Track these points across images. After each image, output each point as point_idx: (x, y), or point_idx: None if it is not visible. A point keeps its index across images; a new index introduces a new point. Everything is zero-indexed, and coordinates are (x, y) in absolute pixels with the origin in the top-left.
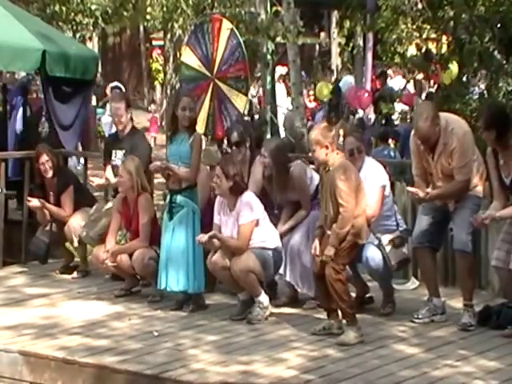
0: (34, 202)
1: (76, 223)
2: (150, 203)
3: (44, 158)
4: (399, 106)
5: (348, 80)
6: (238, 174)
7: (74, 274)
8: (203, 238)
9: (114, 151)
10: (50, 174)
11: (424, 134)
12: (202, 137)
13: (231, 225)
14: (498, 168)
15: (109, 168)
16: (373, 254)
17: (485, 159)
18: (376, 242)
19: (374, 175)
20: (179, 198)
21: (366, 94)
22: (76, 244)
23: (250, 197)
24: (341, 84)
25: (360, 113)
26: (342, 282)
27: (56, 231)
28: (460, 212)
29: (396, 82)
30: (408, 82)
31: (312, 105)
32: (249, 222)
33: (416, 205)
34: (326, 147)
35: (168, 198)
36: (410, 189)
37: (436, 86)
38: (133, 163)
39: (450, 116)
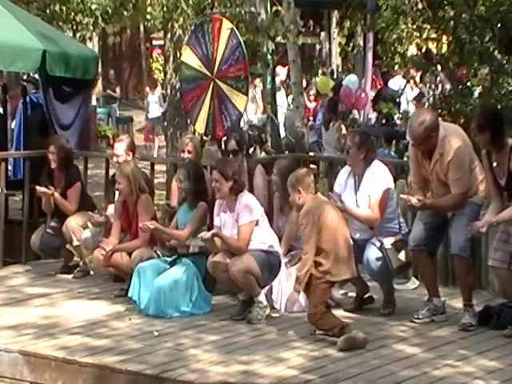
0: (46, 191)
1: (74, 223)
2: (150, 203)
3: (51, 148)
4: (402, 106)
5: (351, 79)
6: (235, 173)
7: (74, 274)
8: (206, 234)
9: (117, 192)
10: (53, 165)
11: (416, 137)
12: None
13: (231, 226)
14: (492, 170)
15: (111, 207)
16: (374, 256)
17: (481, 161)
18: (378, 244)
19: (378, 178)
20: (184, 259)
21: (363, 94)
22: (75, 243)
23: (249, 198)
24: (344, 82)
25: (354, 113)
26: (323, 318)
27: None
28: (458, 218)
29: (396, 81)
30: (408, 81)
31: (312, 105)
32: (248, 223)
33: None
34: (299, 191)
35: (173, 257)
36: (403, 196)
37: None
38: (129, 166)
39: (448, 126)
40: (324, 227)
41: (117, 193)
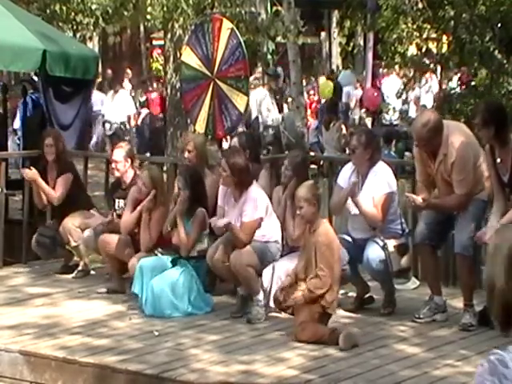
0: (30, 174)
1: (71, 224)
2: (165, 217)
3: (48, 140)
4: (398, 105)
5: (346, 74)
6: (243, 167)
7: (74, 274)
8: (221, 221)
9: (117, 200)
10: (51, 157)
11: (419, 139)
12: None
13: (235, 216)
14: (496, 166)
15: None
16: (374, 255)
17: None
18: (381, 244)
19: (381, 180)
20: (183, 261)
21: (376, 94)
22: (73, 244)
23: (256, 192)
24: (340, 78)
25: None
26: (311, 332)
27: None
28: (463, 215)
29: (390, 81)
30: (409, 81)
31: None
32: (252, 221)
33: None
34: (314, 205)
35: (174, 256)
36: (408, 194)
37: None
38: (161, 175)
39: (452, 125)
40: (337, 261)
41: (117, 201)
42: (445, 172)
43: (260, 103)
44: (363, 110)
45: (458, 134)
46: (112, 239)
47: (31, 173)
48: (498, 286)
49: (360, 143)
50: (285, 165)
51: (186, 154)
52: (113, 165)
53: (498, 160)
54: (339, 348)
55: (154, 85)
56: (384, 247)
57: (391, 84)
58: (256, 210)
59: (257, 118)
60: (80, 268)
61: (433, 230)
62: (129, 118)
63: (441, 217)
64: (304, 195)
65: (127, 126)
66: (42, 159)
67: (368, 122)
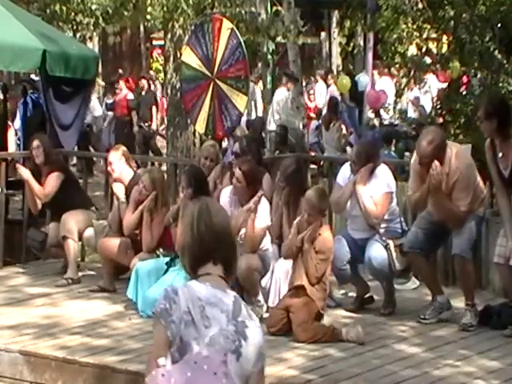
0: (24, 171)
1: (72, 221)
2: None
3: (35, 143)
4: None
5: (363, 76)
6: (257, 179)
7: (64, 281)
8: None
9: (115, 201)
10: (39, 160)
11: (423, 156)
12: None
13: (240, 221)
14: (497, 161)
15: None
16: (377, 253)
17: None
18: (384, 244)
19: (380, 181)
20: (177, 261)
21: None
22: (63, 233)
23: (264, 201)
24: (357, 78)
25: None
26: (313, 331)
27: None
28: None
29: (382, 83)
30: (409, 80)
31: (312, 104)
32: (263, 227)
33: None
34: (324, 215)
35: (170, 257)
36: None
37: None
38: (162, 176)
39: (453, 146)
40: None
41: (115, 202)
42: (445, 189)
43: (278, 103)
44: (370, 111)
45: (461, 158)
46: (112, 243)
47: (25, 170)
48: (188, 242)
49: (360, 161)
50: (278, 175)
51: (208, 163)
52: (109, 167)
53: (500, 154)
54: (344, 337)
55: (122, 85)
56: (386, 247)
57: (384, 85)
58: (265, 217)
59: (260, 117)
60: (67, 275)
61: (425, 239)
62: (95, 119)
63: (434, 228)
64: (314, 204)
65: (94, 129)
66: (32, 162)
67: (376, 122)
